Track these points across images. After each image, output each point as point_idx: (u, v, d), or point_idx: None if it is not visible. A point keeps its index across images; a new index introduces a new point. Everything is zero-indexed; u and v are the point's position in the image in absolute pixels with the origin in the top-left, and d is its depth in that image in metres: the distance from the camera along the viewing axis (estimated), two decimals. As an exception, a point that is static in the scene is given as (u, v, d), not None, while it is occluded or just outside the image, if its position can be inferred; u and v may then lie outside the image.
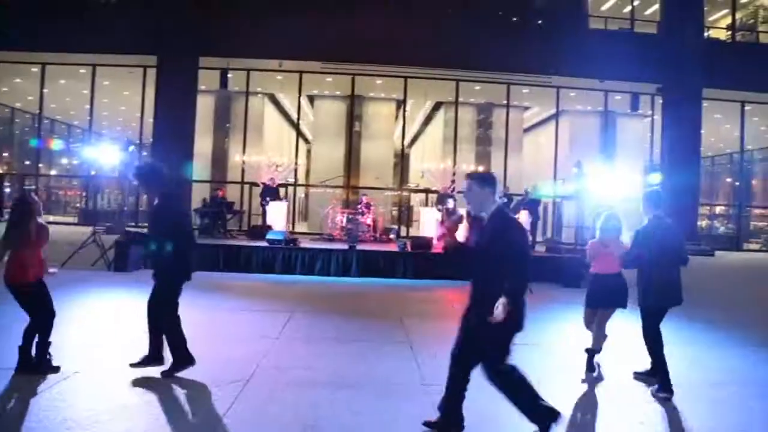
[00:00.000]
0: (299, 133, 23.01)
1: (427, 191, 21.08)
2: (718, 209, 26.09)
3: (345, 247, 11.13)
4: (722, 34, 22.04)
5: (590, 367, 5.21)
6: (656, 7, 21.09)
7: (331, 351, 5.58)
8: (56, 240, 15.30)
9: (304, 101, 23.44)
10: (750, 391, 4.92)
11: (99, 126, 24.62)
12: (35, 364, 4.61)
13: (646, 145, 23.84)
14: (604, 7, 21.58)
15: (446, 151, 22.64)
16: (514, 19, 21.19)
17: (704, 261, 17.63)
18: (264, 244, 11.18)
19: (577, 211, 13.11)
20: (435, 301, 9.30)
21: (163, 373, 4.64)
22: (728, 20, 21.87)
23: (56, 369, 4.72)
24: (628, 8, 21.07)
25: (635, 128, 23.76)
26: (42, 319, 4.69)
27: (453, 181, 15.43)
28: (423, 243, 11.28)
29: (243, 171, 21.03)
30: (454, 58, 19.78)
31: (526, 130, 25.49)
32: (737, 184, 27.28)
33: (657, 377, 4.80)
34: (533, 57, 19.71)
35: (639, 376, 5.26)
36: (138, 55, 19.70)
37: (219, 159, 22.80)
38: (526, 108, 24.58)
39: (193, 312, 7.05)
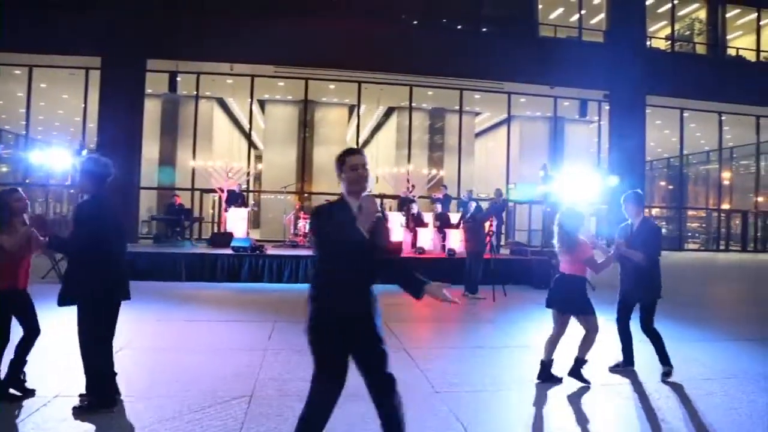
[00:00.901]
0: (250, 139, 22.46)
1: (382, 196, 20.99)
2: (658, 211, 27.12)
3: (313, 253, 10.81)
4: (663, 44, 23.01)
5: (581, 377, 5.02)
6: (602, 16, 21.85)
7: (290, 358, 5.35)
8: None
9: (255, 106, 22.92)
10: (747, 383, 5.02)
11: (35, 131, 23.17)
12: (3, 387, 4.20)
13: (593, 150, 24.65)
14: (552, 16, 22.11)
15: (400, 156, 22.70)
16: (459, 27, 21.44)
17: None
18: (229, 251, 10.76)
19: (543, 213, 13.29)
20: (411, 305, 9.18)
21: (74, 408, 3.91)
22: (668, 31, 22.89)
23: (31, 392, 4.31)
24: (576, 17, 21.67)
25: (582, 133, 24.47)
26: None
27: (413, 186, 15.37)
28: (393, 248, 11.11)
29: (193, 177, 20.36)
30: (408, 64, 19.85)
31: (476, 135, 25.87)
32: (670, 187, 28.65)
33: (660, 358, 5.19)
34: (486, 63, 20.03)
35: (615, 369, 5.32)
36: (80, 56, 18.76)
37: (167, 165, 21.96)
38: (477, 113, 24.89)
39: (170, 325, 6.70)
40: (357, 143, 22.20)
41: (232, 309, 8.10)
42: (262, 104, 23.51)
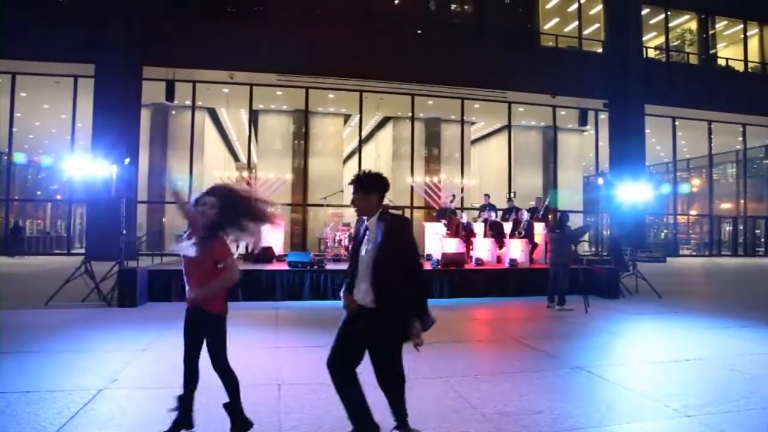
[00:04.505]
0: (249, 150, 21.59)
1: (385, 207, 20.42)
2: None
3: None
4: (654, 54, 23.50)
5: None
6: (599, 25, 22.14)
7: (510, 386, 4.76)
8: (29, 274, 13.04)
9: (247, 117, 21.95)
10: None
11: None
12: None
13: (587, 158, 24.92)
14: (548, 26, 22.23)
15: (397, 166, 22.29)
16: (462, 37, 21.12)
17: (662, 266, 18.50)
18: (278, 267, 9.99)
19: (601, 223, 13.07)
20: (515, 319, 8.66)
21: None
22: (659, 41, 23.42)
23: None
24: (574, 26, 21.87)
25: (574, 142, 24.66)
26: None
27: (453, 195, 14.97)
28: (456, 259, 10.62)
29: (190, 190, 19.41)
30: (411, 73, 19.57)
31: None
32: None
33: None
34: (489, 72, 19.94)
35: None
36: (69, 63, 17.60)
37: (157, 177, 20.81)
38: (473, 123, 24.75)
39: (275, 354, 5.94)
40: (360, 154, 21.61)
41: (319, 332, 7.20)
42: (254, 115, 22.64)
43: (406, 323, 3.11)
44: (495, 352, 6.32)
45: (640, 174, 20.85)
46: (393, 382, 3.30)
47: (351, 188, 3.25)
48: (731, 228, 25.34)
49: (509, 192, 22.14)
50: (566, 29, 22.20)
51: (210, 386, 3.56)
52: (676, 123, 23.46)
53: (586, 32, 22.12)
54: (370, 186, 3.22)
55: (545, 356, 6.00)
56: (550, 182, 23.76)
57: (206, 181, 21.21)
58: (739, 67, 23.68)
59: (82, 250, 20.03)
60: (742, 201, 25.37)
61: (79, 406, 4.09)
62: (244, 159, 25.93)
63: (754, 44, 24.06)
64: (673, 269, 17.73)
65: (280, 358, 5.72)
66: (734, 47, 24.17)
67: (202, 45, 17.84)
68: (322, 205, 19.41)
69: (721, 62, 23.87)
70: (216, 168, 23.72)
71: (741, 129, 24.27)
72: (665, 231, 24.73)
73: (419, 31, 20.63)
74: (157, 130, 21.27)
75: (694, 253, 25.15)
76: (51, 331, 6.81)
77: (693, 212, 26.89)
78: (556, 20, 22.16)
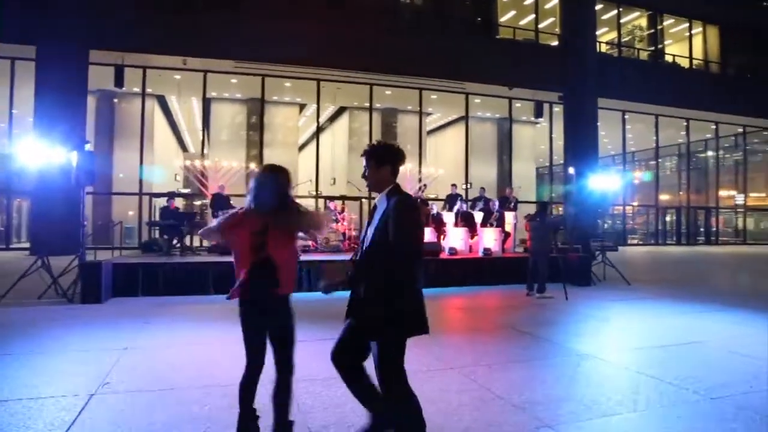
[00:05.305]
0: (204, 139, 20.76)
1: (343, 198, 20.18)
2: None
3: (347, 257, 9.92)
4: (609, 49, 24.07)
5: None
6: (553, 19, 22.45)
7: (528, 374, 4.67)
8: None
9: (199, 105, 21.09)
10: None
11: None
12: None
13: (539, 150, 25.34)
14: (504, 19, 22.36)
15: (354, 158, 21.97)
16: (421, 27, 20.99)
17: (616, 255, 19.02)
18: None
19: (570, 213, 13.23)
20: (501, 308, 8.59)
21: None
22: (610, 36, 24.00)
23: None
24: (529, 18, 22.11)
25: (527, 134, 25.02)
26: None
27: (425, 185, 14.82)
28: (431, 249, 10.50)
29: (141, 181, 18.58)
30: (369, 62, 19.28)
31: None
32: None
33: None
34: (447, 63, 19.87)
35: None
36: (6, 44, 16.36)
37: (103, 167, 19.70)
38: (429, 114, 24.70)
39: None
40: (318, 144, 21.14)
41: (308, 324, 6.87)
42: (207, 104, 21.78)
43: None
44: (497, 340, 6.25)
45: (594, 166, 21.37)
46: (381, 385, 2.88)
47: (363, 160, 3.03)
48: (675, 218, 26.39)
49: (466, 182, 22.30)
50: (523, 22, 22.40)
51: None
52: (626, 116, 24.14)
53: (542, 25, 22.37)
54: (382, 157, 2.98)
55: (548, 343, 6.00)
56: (505, 173, 24.07)
57: (157, 171, 20.35)
58: (685, 63, 24.58)
59: (22, 245, 18.86)
60: (684, 192, 26.45)
61: (73, 414, 3.69)
62: (195, 149, 24.99)
63: (698, 42, 25.02)
64: (626, 257, 18.24)
65: (278, 353, 5.41)
66: (680, 45, 25.07)
67: (155, 29, 16.91)
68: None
69: (669, 59, 24.71)
70: (167, 158, 22.83)
71: (685, 123, 25.24)
72: (609, 221, 25.41)
73: (378, 21, 20.30)
74: (103, 119, 20.17)
75: (640, 242, 26.07)
76: (16, 330, 6.28)
77: (639, 203, 27.74)
78: (513, 12, 22.33)
